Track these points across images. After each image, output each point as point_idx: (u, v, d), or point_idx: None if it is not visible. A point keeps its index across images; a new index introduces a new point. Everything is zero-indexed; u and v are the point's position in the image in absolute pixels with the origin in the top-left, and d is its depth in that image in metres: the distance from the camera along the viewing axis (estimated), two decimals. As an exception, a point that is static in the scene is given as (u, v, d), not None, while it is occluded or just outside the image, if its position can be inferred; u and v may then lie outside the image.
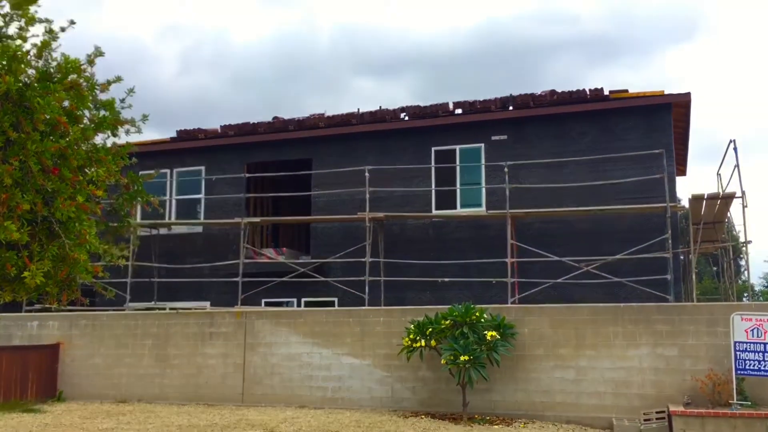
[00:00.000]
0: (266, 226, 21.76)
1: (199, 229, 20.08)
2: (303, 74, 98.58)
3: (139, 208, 19.84)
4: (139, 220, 19.56)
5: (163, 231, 20.01)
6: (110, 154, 4.97)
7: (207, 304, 18.97)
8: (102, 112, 5.02)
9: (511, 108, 17.79)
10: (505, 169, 16.29)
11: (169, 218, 20.17)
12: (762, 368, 10.97)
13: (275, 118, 20.26)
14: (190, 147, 20.48)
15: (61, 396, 15.31)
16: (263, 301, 18.51)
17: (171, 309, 16.39)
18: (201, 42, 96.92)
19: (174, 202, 20.46)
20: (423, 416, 12.25)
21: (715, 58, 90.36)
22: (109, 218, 5.69)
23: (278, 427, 10.90)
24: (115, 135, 5.28)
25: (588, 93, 17.10)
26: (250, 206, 20.78)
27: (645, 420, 11.32)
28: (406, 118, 18.82)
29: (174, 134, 21.21)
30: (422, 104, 18.78)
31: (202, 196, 20.13)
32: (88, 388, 15.43)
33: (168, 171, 20.60)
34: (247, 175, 19.56)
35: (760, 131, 73.14)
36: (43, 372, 15.30)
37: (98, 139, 5.27)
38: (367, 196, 17.17)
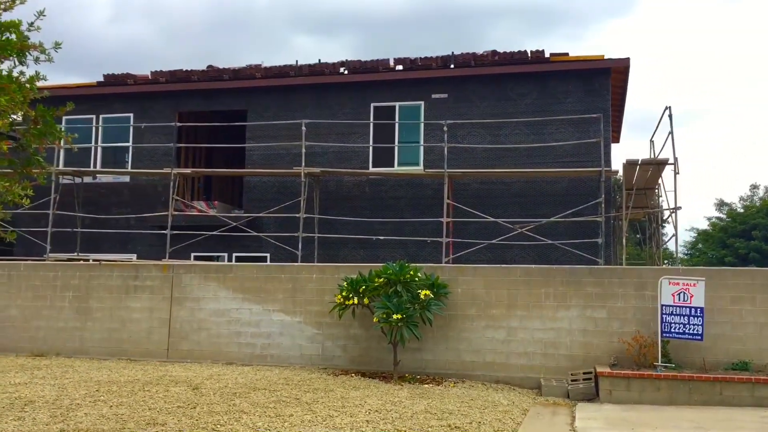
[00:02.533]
0: (198, 179, 21.08)
1: (126, 178, 19.28)
2: (240, 29, 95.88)
3: (62, 153, 18.88)
4: (61, 167, 18.64)
5: (87, 179, 19.12)
6: (14, 82, 4.45)
7: (133, 256, 18.32)
8: (6, 36, 4.47)
9: (452, 66, 17.53)
10: (445, 128, 16.10)
11: (95, 166, 19.27)
12: (686, 331, 11.21)
13: (210, 66, 19.46)
14: (119, 92, 19.52)
15: (-27, 349, 14.54)
16: (193, 255, 17.97)
17: (94, 260, 15.68)
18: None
19: (100, 149, 19.52)
20: (353, 374, 12.11)
21: (652, 32, 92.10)
22: (17, 156, 5.16)
23: (203, 384, 10.56)
24: (22, 62, 4.73)
25: (529, 54, 16.97)
26: (181, 157, 20.04)
27: (572, 380, 11.45)
28: (346, 72, 18.34)
29: (100, 78, 20.15)
30: (363, 59, 18.33)
31: (130, 144, 19.28)
32: (3, 340, 14.69)
33: (94, 117, 19.63)
34: (179, 124, 18.80)
35: (690, 105, 75.31)
36: (-46, 323, 14.47)
37: (4, 67, 4.73)
38: (303, 150, 16.73)
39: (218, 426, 7.82)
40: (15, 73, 4.79)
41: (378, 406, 9.18)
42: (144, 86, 19.47)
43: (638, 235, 29.29)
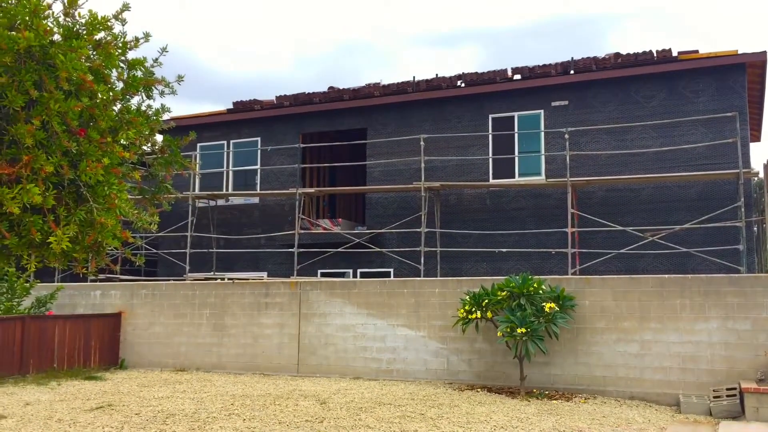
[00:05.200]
0: (323, 197, 21.68)
1: (256, 200, 20.12)
2: (364, 50, 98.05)
3: (197, 179, 20.03)
4: (197, 191, 19.75)
5: (221, 202, 20.15)
6: (141, 116, 4.76)
7: (264, 274, 19.06)
8: (133, 72, 4.80)
9: (572, 72, 17.07)
10: (566, 136, 15.67)
11: (227, 189, 20.27)
12: (844, 344, 10.24)
13: (330, 88, 20.02)
14: (246, 118, 20.46)
15: (123, 364, 15.62)
16: (319, 271, 18.47)
17: (228, 279, 16.46)
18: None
19: (231, 173, 20.53)
20: (479, 389, 11.96)
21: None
22: (147, 184, 5.52)
23: (331, 398, 10.78)
24: (149, 96, 5.06)
25: (655, 54, 16.23)
26: (305, 177, 20.71)
27: (715, 397, 10.74)
28: (463, 85, 18.30)
29: (230, 106, 21.23)
30: (479, 71, 18.23)
31: (258, 167, 20.13)
32: (149, 356, 15.69)
33: (225, 142, 20.68)
34: (302, 145, 19.45)
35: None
36: (106, 340, 15.62)
37: (133, 102, 5.08)
38: (422, 165, 16.81)
39: (344, 440, 7.94)
40: (143, 107, 5.12)
41: (504, 423, 9.00)
42: (269, 111, 20.31)
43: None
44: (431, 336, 13.32)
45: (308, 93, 19.94)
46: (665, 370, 11.69)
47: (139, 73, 4.91)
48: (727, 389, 10.73)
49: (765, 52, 15.09)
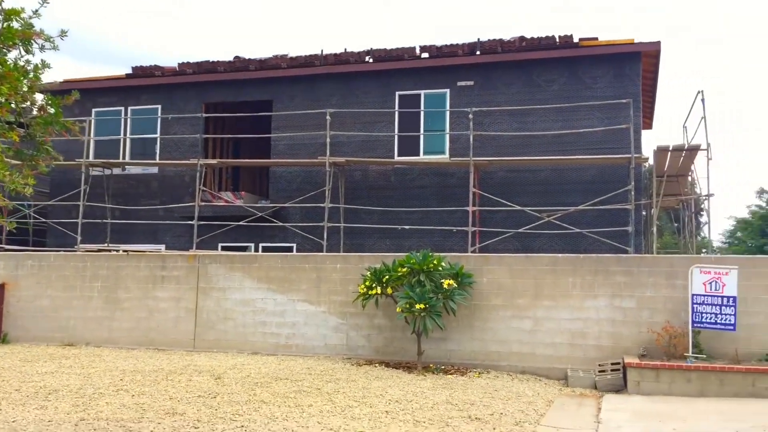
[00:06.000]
0: (225, 169, 21.16)
1: (155, 170, 19.41)
2: (270, 20, 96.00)
3: (92, 145, 19.11)
4: (91, 158, 18.85)
5: (117, 171, 19.31)
6: (17, 71, 4.41)
7: (162, 247, 18.48)
8: (8, 23, 4.44)
9: (478, 53, 17.27)
10: (470, 116, 15.88)
11: (123, 158, 19.45)
12: (718, 321, 10.91)
13: (236, 57, 19.46)
14: (146, 84, 19.64)
15: (5, 338, 14.81)
16: (220, 245, 18.06)
17: (123, 251, 15.84)
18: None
19: (128, 141, 19.69)
20: (377, 364, 12.05)
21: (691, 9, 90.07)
22: (27, 147, 5.15)
23: (226, 373, 10.58)
24: (28, 51, 4.70)
25: (557, 40, 16.64)
26: (208, 148, 20.13)
27: (600, 371, 11.23)
28: (371, 60, 18.19)
29: (129, 71, 20.31)
30: (388, 47, 18.17)
31: (157, 135, 19.40)
32: (35, 330, 14.93)
33: (122, 108, 19.80)
34: (205, 114, 18.87)
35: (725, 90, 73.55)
36: (-13, 313, 14.74)
37: (11, 56, 4.70)
38: (328, 140, 16.65)
39: (237, 416, 7.80)
40: (21, 62, 4.75)
41: (399, 397, 9.09)
42: (171, 77, 19.56)
43: (675, 224, 28.73)
44: (332, 311, 13.29)
45: (212, 61, 19.31)
46: (555, 345, 12.13)
47: (16, 25, 4.55)
48: (612, 364, 11.25)
49: (659, 42, 15.75)
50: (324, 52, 18.52)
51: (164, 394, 8.95)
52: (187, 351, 13.61)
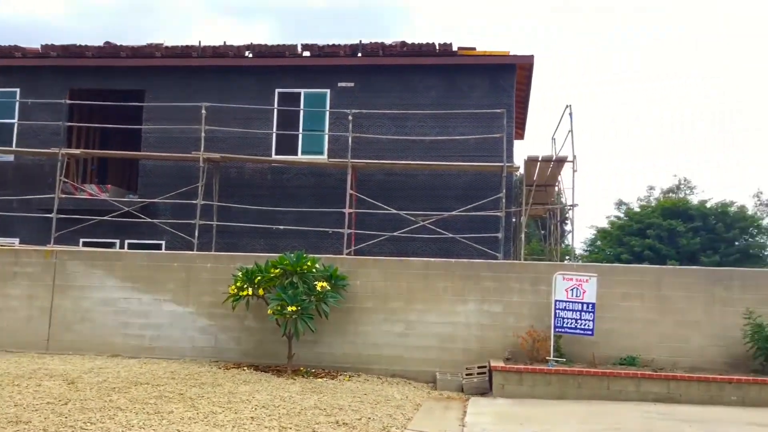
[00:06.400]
0: (91, 160, 20.00)
1: (10, 157, 18.03)
2: (156, 10, 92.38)
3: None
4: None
5: (-34, 157, 17.79)
6: None
7: (16, 241, 17.16)
8: None
9: (360, 55, 17.26)
10: (350, 117, 15.83)
11: (-25, 143, 17.94)
12: (578, 326, 11.38)
13: (107, 43, 18.43)
14: (4, 65, 18.22)
15: None
16: (82, 241, 17.02)
17: (-30, 245, 14.56)
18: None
19: (-19, 125, 18.19)
20: (245, 368, 11.70)
21: (564, 32, 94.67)
22: None
23: (81, 378, 9.90)
24: None
25: (437, 47, 16.90)
26: (72, 137, 18.95)
27: (467, 375, 11.44)
28: (251, 56, 17.76)
29: (-15, 49, 18.76)
30: (269, 43, 17.80)
31: (15, 121, 18.03)
32: None
33: (-24, 90, 18.26)
34: (69, 101, 17.73)
35: (592, 105, 77.88)
36: None
37: None
38: (203, 134, 16.08)
39: (89, 424, 7.28)
40: None
41: (266, 402, 8.83)
42: (33, 60, 18.26)
43: (542, 232, 29.98)
44: (200, 312, 12.79)
45: (80, 45, 18.19)
46: (426, 349, 12.25)
47: None
48: (479, 367, 11.48)
49: (532, 56, 16.36)
50: (202, 44, 17.89)
51: (8, 400, 8.23)
52: (39, 353, 12.67)
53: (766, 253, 35.93)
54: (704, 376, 10.71)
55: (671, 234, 33.13)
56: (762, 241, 36.15)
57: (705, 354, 11.67)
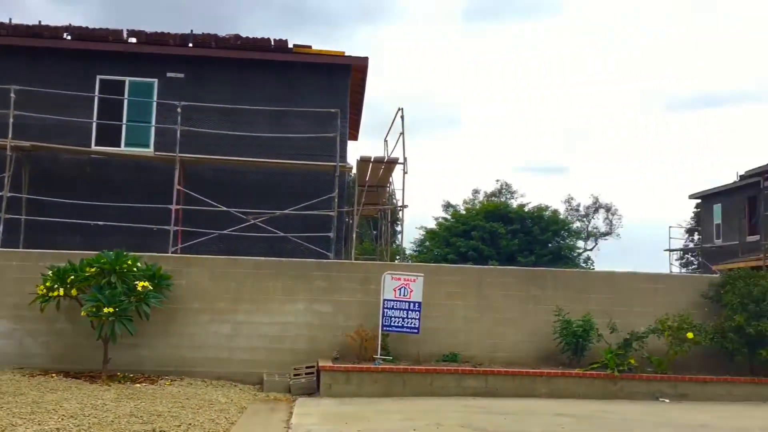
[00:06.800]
0: None
1: None
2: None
3: None
4: None
5: None
6: None
7: None
8: None
9: (191, 45, 16.58)
10: (179, 110, 15.16)
11: None
12: (405, 325, 11.65)
13: None
14: None
15: None
16: None
17: None
18: None
19: None
20: (54, 375, 10.81)
21: (399, 42, 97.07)
22: None
23: None
24: None
25: (272, 43, 16.62)
26: None
27: (295, 375, 11.32)
28: (70, 38, 16.48)
29: None
30: (91, 26, 16.63)
31: None
32: None
33: None
34: None
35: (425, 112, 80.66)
36: None
37: None
38: (11, 120, 14.68)
39: None
40: None
41: (75, 411, 8.18)
42: None
43: (375, 232, 30.50)
44: (3, 315, 11.68)
45: None
46: (254, 350, 11.99)
47: None
48: (307, 367, 11.41)
49: (367, 57, 16.53)
50: (12, 21, 16.36)
51: None
52: None
53: (575, 254, 39.00)
54: (518, 370, 11.36)
55: (493, 235, 34.98)
56: (572, 243, 39.19)
57: (520, 349, 12.38)
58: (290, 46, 16.73)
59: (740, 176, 32.20)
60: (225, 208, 15.32)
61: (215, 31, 17.25)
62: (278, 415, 9.17)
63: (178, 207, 15.05)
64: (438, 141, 79.66)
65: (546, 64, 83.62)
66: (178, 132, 15.05)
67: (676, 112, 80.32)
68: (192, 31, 16.59)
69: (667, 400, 11.14)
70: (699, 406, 10.78)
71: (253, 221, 15.33)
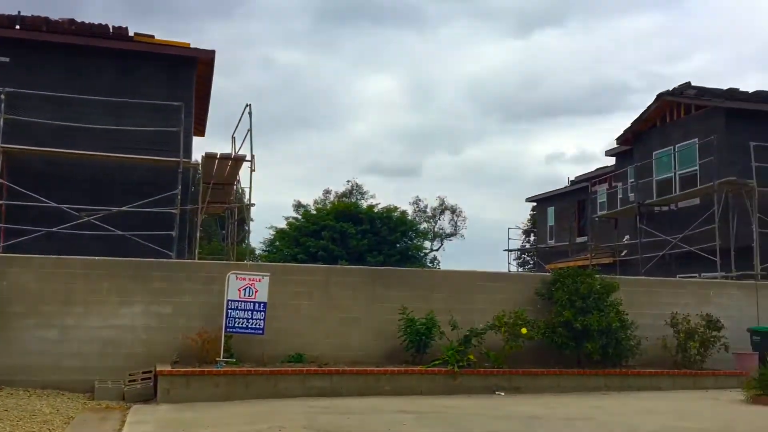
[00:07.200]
0: None
1: None
2: None
3: None
4: None
5: None
6: None
7: None
8: None
9: (18, 27, 15.29)
10: (2, 96, 13.93)
11: None
12: (249, 326, 11.38)
13: None
14: None
15: None
16: None
17: None
18: None
19: None
20: None
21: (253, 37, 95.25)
22: None
23: None
24: None
25: (111, 30, 15.70)
26: None
27: (130, 381, 10.72)
28: None
29: None
30: None
31: None
32: None
33: None
34: None
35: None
36: None
37: None
38: None
39: None
40: None
41: None
42: None
43: (224, 231, 29.70)
44: None
45: None
46: (85, 356, 11.26)
47: None
48: (143, 373, 10.85)
49: (214, 51, 16.03)
50: None
51: None
52: None
53: (422, 254, 40.10)
54: (363, 369, 11.43)
55: (343, 235, 35.18)
56: (419, 243, 40.26)
57: (365, 348, 12.47)
58: (131, 34, 15.88)
59: (571, 181, 34.60)
60: (56, 204, 14.27)
61: (49, 14, 15.96)
62: (109, 425, 8.62)
63: (2, 202, 13.84)
64: (292, 141, 79.14)
65: (402, 67, 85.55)
66: (1, 120, 13.83)
67: (516, 122, 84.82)
68: (20, 12, 15.33)
69: (503, 393, 11.66)
70: (531, 398, 11.37)
71: (87, 218, 14.38)
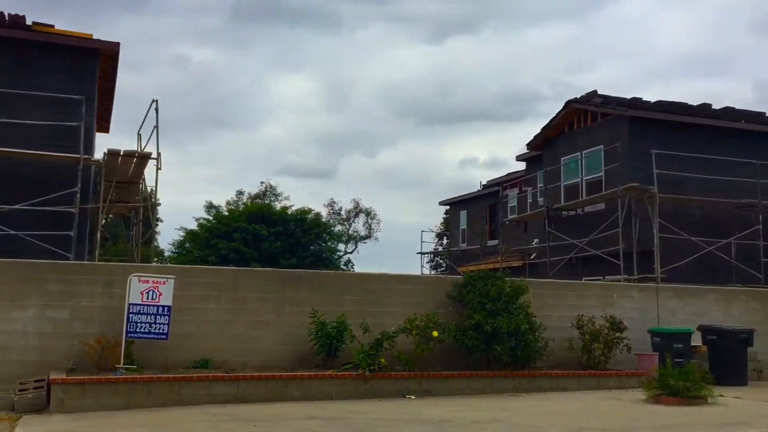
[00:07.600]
0: None
1: None
2: None
3: None
4: None
5: None
6: None
7: None
8: None
9: None
10: None
11: None
12: (152, 331, 10.88)
13: None
14: None
15: None
16: None
17: None
18: None
19: None
20: None
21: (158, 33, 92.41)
22: None
23: None
24: None
25: (6, 17, 14.78)
26: None
27: (21, 390, 10.02)
28: None
29: None
30: None
31: None
32: None
33: None
34: None
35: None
36: None
37: None
38: None
39: None
40: None
41: None
42: None
43: (132, 232, 28.59)
44: None
45: None
46: (-31, 364, 10.47)
47: None
48: (35, 381, 10.19)
49: (118, 43, 15.33)
50: None
51: None
52: None
53: (336, 257, 39.88)
54: (271, 374, 11.12)
55: (255, 237, 34.55)
56: (333, 245, 40.04)
57: (275, 352, 12.16)
58: (29, 23, 15.00)
59: (483, 185, 35.20)
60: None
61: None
62: (-6, 439, 8.02)
63: None
64: (205, 141, 77.38)
65: (318, 68, 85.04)
66: None
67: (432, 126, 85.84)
68: None
69: (414, 397, 11.60)
70: (441, 401, 11.35)
71: (-26, 217, 13.46)
